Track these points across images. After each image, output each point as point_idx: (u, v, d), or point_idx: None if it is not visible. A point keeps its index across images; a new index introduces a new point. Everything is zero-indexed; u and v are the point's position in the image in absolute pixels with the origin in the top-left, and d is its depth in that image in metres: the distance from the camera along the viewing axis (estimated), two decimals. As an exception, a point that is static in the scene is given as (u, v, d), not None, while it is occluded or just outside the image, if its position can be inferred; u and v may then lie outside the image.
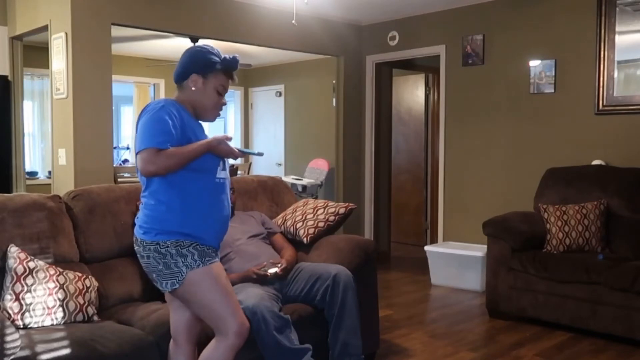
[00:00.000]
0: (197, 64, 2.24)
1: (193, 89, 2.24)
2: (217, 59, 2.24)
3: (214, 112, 2.28)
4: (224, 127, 11.04)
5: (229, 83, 2.30)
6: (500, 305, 4.28)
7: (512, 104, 5.28)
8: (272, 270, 2.99)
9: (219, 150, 2.18)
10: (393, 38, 6.17)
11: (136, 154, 2.12)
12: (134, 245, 2.24)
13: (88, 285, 2.73)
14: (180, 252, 2.13)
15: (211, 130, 8.55)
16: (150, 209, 2.18)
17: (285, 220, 3.55)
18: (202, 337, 2.36)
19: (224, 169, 2.28)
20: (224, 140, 2.19)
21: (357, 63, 6.40)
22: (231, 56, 2.27)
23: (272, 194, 3.84)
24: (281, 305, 2.89)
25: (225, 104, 2.31)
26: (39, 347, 2.25)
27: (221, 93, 2.27)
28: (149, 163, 2.06)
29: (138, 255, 2.23)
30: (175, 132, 2.12)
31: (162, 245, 2.13)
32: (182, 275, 2.12)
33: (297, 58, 8.17)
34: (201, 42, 6.45)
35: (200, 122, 2.31)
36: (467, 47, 5.56)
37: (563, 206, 4.30)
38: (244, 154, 2.37)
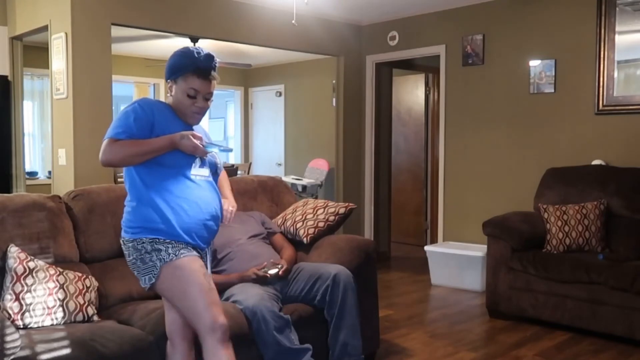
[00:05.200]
0: (169, 69, 2.24)
1: (168, 94, 2.26)
2: (186, 60, 2.19)
3: (192, 115, 2.24)
4: (224, 127, 11.05)
5: (206, 84, 2.21)
6: (500, 305, 4.28)
7: (512, 104, 5.28)
8: (272, 271, 2.99)
9: (182, 146, 2.13)
10: (393, 38, 6.17)
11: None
12: None
13: (88, 285, 2.73)
14: (155, 247, 2.14)
15: (210, 131, 8.58)
16: (129, 206, 2.22)
17: (285, 220, 3.54)
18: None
19: (202, 166, 2.25)
20: (187, 136, 2.13)
21: (357, 63, 6.40)
22: (202, 55, 2.20)
23: (272, 194, 3.84)
24: (281, 305, 2.89)
25: (202, 107, 2.23)
26: (39, 347, 2.25)
27: (193, 96, 2.20)
28: (103, 152, 2.11)
29: None
30: (137, 126, 2.12)
31: (139, 242, 2.16)
32: (156, 269, 2.14)
33: (297, 58, 8.17)
34: (200, 42, 6.44)
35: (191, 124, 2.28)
36: (467, 47, 5.56)
37: (563, 206, 4.30)
38: (209, 151, 2.23)
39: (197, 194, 2.21)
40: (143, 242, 2.16)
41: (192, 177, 2.21)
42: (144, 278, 2.17)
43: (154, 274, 2.15)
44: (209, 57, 2.21)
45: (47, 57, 4.59)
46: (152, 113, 2.17)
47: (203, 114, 2.27)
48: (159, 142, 2.12)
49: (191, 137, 2.13)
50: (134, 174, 2.19)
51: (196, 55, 2.19)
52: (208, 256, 2.36)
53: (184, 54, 2.22)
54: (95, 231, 3.00)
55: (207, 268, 2.30)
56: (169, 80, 2.25)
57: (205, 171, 2.27)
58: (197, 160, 2.23)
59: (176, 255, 2.14)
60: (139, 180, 2.18)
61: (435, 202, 6.57)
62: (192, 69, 2.18)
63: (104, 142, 2.12)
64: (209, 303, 2.13)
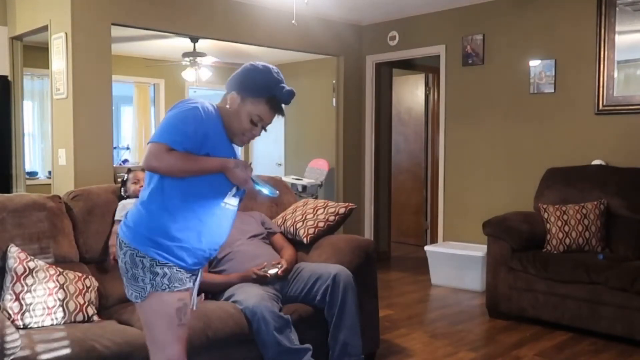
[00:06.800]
0: (242, 83, 2.06)
1: (228, 106, 2.07)
2: (267, 85, 2.03)
3: (240, 137, 2.08)
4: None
5: (271, 116, 2.06)
6: (500, 305, 4.28)
7: (512, 104, 5.28)
8: (272, 271, 3.00)
9: (233, 174, 1.99)
10: (393, 38, 6.17)
11: (148, 143, 1.99)
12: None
13: (88, 285, 2.74)
14: (152, 269, 1.98)
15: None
16: (143, 208, 2.03)
17: (285, 220, 3.55)
18: (188, 345, 2.23)
19: (235, 195, 2.09)
20: (242, 165, 1.99)
21: (357, 63, 6.40)
22: (286, 90, 2.05)
23: (272, 194, 3.83)
24: (281, 305, 2.89)
25: (256, 135, 2.09)
26: (39, 347, 2.25)
27: (255, 123, 2.05)
28: (154, 158, 1.93)
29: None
30: (193, 140, 1.96)
31: (139, 254, 1.99)
32: (145, 292, 2.00)
33: (297, 58, 8.16)
34: (200, 42, 6.42)
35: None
36: (467, 47, 5.56)
37: (563, 206, 4.30)
38: (257, 189, 2.05)
39: (219, 223, 2.07)
40: (143, 257, 1.98)
41: (223, 204, 2.06)
42: (131, 292, 2.05)
43: (142, 295, 2.01)
44: (290, 94, 2.06)
45: (47, 57, 4.59)
46: (208, 128, 2.00)
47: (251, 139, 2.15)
48: (210, 164, 1.98)
49: (245, 169, 2.00)
50: (165, 180, 2.00)
51: (280, 85, 2.05)
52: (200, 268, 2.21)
53: (268, 77, 2.05)
54: (95, 231, 3.01)
55: (195, 283, 2.18)
56: (234, 92, 2.05)
57: (236, 201, 2.11)
58: (234, 189, 2.07)
59: (169, 288, 1.98)
60: (169, 188, 1.99)
61: (435, 202, 6.57)
62: (269, 98, 2.04)
63: (156, 146, 1.93)
64: (176, 339, 2.03)
